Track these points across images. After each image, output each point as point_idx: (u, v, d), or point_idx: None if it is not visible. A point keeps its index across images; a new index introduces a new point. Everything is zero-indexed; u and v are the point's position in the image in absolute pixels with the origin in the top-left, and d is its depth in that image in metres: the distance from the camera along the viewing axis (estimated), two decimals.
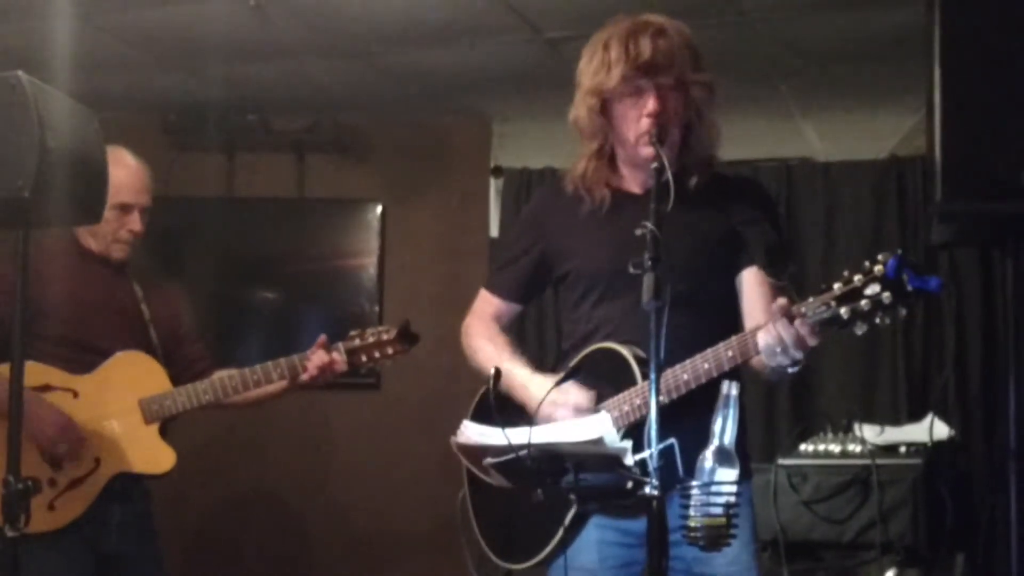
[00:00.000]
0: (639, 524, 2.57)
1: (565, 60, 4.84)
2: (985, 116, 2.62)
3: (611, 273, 2.74)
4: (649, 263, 2.24)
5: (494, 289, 3.04)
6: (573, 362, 2.78)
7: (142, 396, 3.53)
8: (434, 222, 5.91)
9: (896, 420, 5.04)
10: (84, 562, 3.44)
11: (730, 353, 2.53)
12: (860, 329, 2.35)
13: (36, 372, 3.27)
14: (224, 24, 4.60)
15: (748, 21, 4.50)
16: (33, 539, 2.60)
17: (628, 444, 2.29)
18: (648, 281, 2.22)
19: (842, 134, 5.73)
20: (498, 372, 2.55)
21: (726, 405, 2.23)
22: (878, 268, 2.32)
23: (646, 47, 2.69)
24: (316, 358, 3.55)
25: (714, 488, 2.17)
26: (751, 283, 2.80)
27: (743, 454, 2.90)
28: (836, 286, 2.37)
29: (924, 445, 4.36)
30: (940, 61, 2.63)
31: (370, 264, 5.81)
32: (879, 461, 4.21)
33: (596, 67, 2.75)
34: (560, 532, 2.70)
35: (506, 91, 5.46)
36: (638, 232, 2.31)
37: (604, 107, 2.77)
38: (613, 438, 2.33)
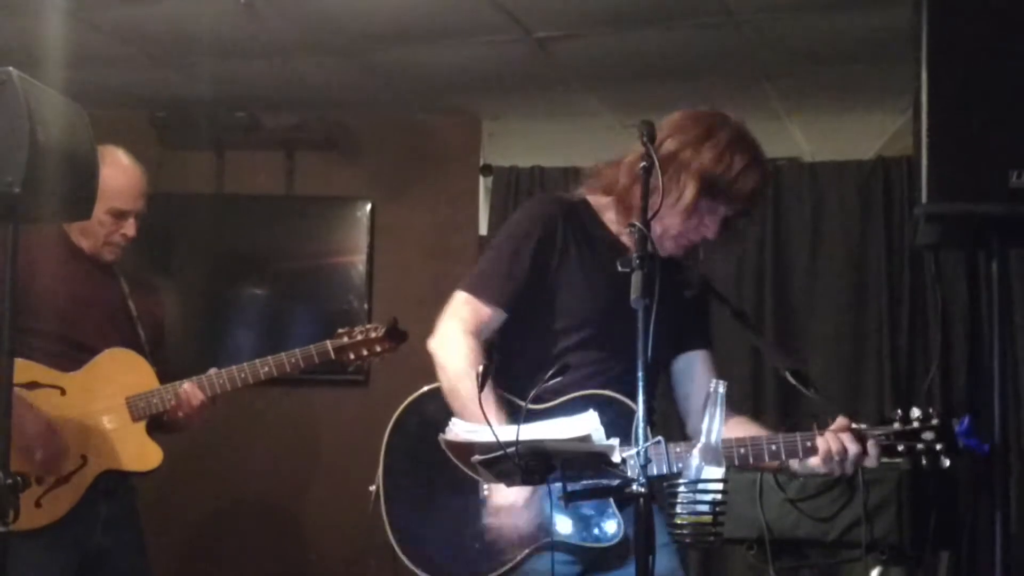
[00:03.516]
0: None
1: (554, 59, 4.86)
2: (972, 117, 2.62)
3: (598, 320, 2.76)
4: (637, 261, 2.25)
5: (485, 297, 2.85)
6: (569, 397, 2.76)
7: (129, 393, 3.53)
8: (423, 220, 5.91)
9: (882, 420, 5.06)
10: (69, 558, 3.44)
11: (808, 443, 2.63)
12: (905, 463, 2.63)
13: (23, 368, 3.27)
14: (214, 21, 4.60)
15: (735, 22, 4.51)
16: (19, 536, 2.61)
17: (615, 442, 2.30)
18: (636, 279, 2.23)
19: (829, 134, 5.74)
20: (487, 369, 2.54)
21: (714, 404, 2.25)
22: (936, 421, 2.58)
23: (766, 182, 2.81)
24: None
25: (701, 486, 2.18)
26: (703, 366, 2.92)
27: None
28: (896, 425, 2.60)
29: None
30: (927, 62, 2.63)
31: (359, 261, 5.82)
32: None
33: (716, 158, 2.74)
34: (511, 565, 2.70)
35: (495, 90, 5.47)
36: (627, 230, 2.32)
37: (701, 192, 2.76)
38: (600, 436, 2.34)
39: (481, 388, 2.52)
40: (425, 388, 2.90)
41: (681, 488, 2.18)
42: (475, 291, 2.87)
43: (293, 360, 3.58)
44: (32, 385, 3.42)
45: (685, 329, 2.90)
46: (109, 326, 3.58)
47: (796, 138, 5.80)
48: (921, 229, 2.79)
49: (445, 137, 5.94)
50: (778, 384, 5.37)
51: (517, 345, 2.85)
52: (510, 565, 2.70)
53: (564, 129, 5.77)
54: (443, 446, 2.54)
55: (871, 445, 2.59)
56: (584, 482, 2.35)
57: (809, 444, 2.62)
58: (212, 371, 3.61)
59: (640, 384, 2.21)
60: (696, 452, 2.21)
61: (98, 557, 3.50)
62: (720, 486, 2.19)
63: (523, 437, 2.33)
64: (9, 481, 2.49)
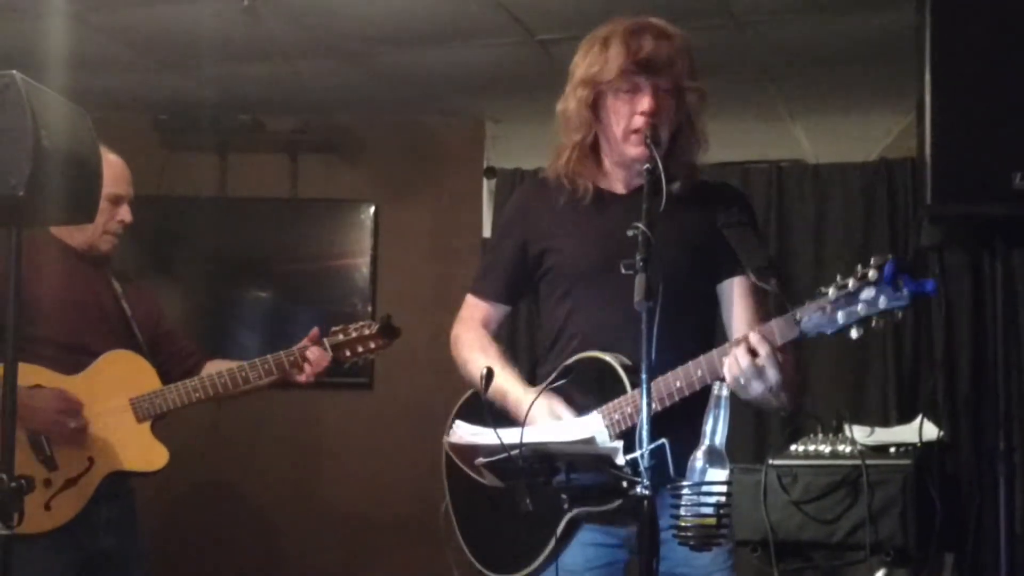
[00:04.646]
0: (623, 526, 2.59)
1: (557, 61, 4.86)
2: (975, 119, 2.63)
3: (592, 272, 2.73)
4: (640, 263, 2.25)
5: (480, 293, 2.98)
6: (560, 368, 2.75)
7: (132, 395, 3.53)
8: (427, 222, 5.92)
9: (886, 421, 5.05)
10: (72, 561, 3.45)
11: (699, 373, 2.51)
12: (856, 333, 2.35)
13: (26, 372, 3.26)
14: (217, 24, 4.60)
15: (738, 24, 4.51)
16: (23, 539, 2.60)
17: (619, 444, 2.30)
18: (640, 281, 2.22)
19: (832, 136, 5.74)
20: (490, 372, 2.54)
21: (717, 405, 2.24)
22: (872, 272, 2.32)
23: (648, 45, 2.70)
24: (314, 356, 3.56)
25: (705, 488, 2.18)
26: (738, 293, 2.78)
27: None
28: (830, 291, 2.37)
29: (914, 446, 4.37)
30: (930, 63, 2.64)
31: (363, 264, 5.82)
32: (869, 462, 4.22)
33: (592, 60, 2.75)
34: (553, 542, 2.69)
35: (499, 92, 5.47)
36: (630, 233, 2.31)
37: (595, 101, 2.76)
38: (604, 438, 2.34)
39: (485, 390, 2.53)
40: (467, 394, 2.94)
41: (685, 490, 2.18)
42: (473, 290, 3.00)
43: (291, 358, 3.58)
44: (35, 389, 3.42)
45: (701, 262, 2.79)
46: (105, 327, 3.59)
47: (799, 140, 5.80)
48: (925, 230, 2.80)
49: (448, 139, 5.94)
50: None
51: (538, 320, 2.98)
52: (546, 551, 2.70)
53: (557, 122, 5.76)
54: (447, 449, 2.54)
55: (762, 348, 2.37)
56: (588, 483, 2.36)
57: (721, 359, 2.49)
58: (214, 369, 3.62)
59: (643, 386, 2.20)
60: (700, 454, 2.20)
61: (100, 559, 3.50)
62: (724, 488, 2.18)
63: (527, 439, 2.33)
64: (14, 484, 2.49)
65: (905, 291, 2.28)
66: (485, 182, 5.95)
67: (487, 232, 5.90)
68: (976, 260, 5.20)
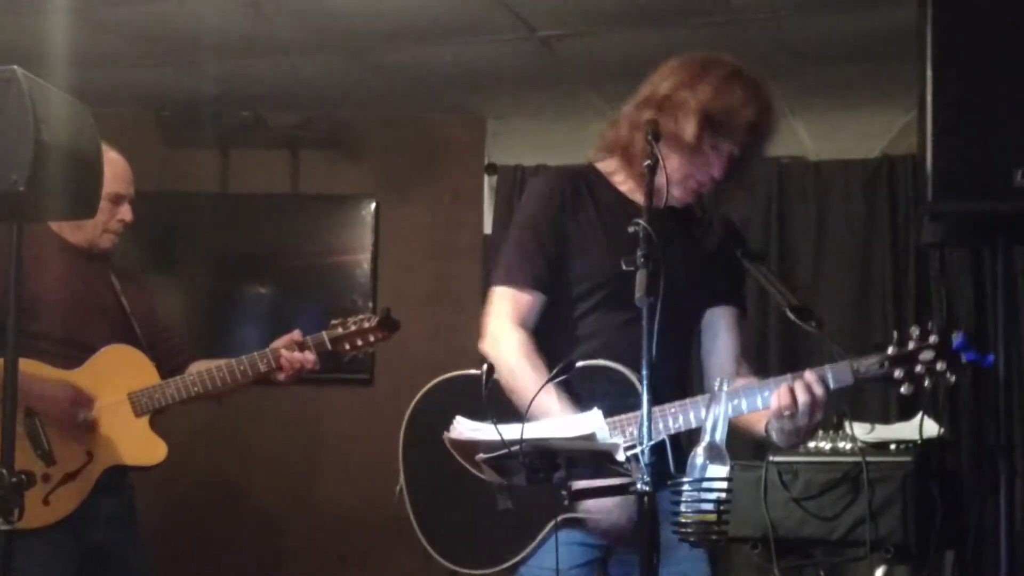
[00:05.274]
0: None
1: (559, 58, 4.87)
2: (977, 116, 2.62)
3: (612, 280, 2.71)
4: (642, 260, 2.25)
5: (516, 283, 2.79)
6: (564, 363, 2.77)
7: (131, 389, 3.54)
8: (428, 219, 5.92)
9: (886, 418, 5.05)
10: (72, 555, 3.45)
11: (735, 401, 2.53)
12: (907, 390, 2.43)
13: (26, 367, 3.27)
14: (218, 20, 4.60)
15: (739, 20, 4.51)
16: (24, 533, 2.61)
17: (620, 440, 2.30)
18: (640, 277, 2.22)
19: (833, 133, 5.74)
20: (491, 367, 2.54)
21: (717, 402, 2.24)
22: (933, 338, 2.41)
23: (766, 121, 2.71)
24: (291, 358, 3.57)
25: (705, 484, 2.18)
26: (727, 323, 2.84)
27: None
28: (891, 349, 2.45)
29: (914, 443, 4.37)
30: (932, 60, 2.63)
31: (364, 260, 5.82)
32: (869, 458, 4.22)
33: (717, 91, 2.68)
34: (535, 542, 2.70)
35: (500, 88, 5.47)
36: (631, 229, 2.31)
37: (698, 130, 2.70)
38: (605, 434, 2.33)
39: (486, 385, 2.52)
40: (430, 384, 2.90)
41: (685, 487, 2.18)
42: (508, 281, 2.81)
43: (265, 361, 3.58)
44: (45, 380, 3.42)
45: (711, 283, 2.83)
46: (105, 323, 3.59)
47: (801, 136, 5.80)
48: (926, 227, 2.80)
49: (449, 136, 5.94)
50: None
51: (542, 320, 2.82)
52: (528, 549, 2.70)
53: (568, 128, 5.77)
54: (447, 444, 2.54)
55: (815, 384, 2.44)
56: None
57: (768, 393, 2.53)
58: (209, 366, 3.63)
59: (644, 385, 2.20)
60: (700, 450, 2.20)
61: (99, 554, 3.50)
62: (724, 484, 2.18)
63: (527, 435, 2.33)
64: (14, 479, 2.49)
65: (964, 360, 2.39)
66: (486, 178, 5.95)
67: (488, 229, 5.90)
68: (977, 257, 5.20)
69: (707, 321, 2.88)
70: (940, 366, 2.38)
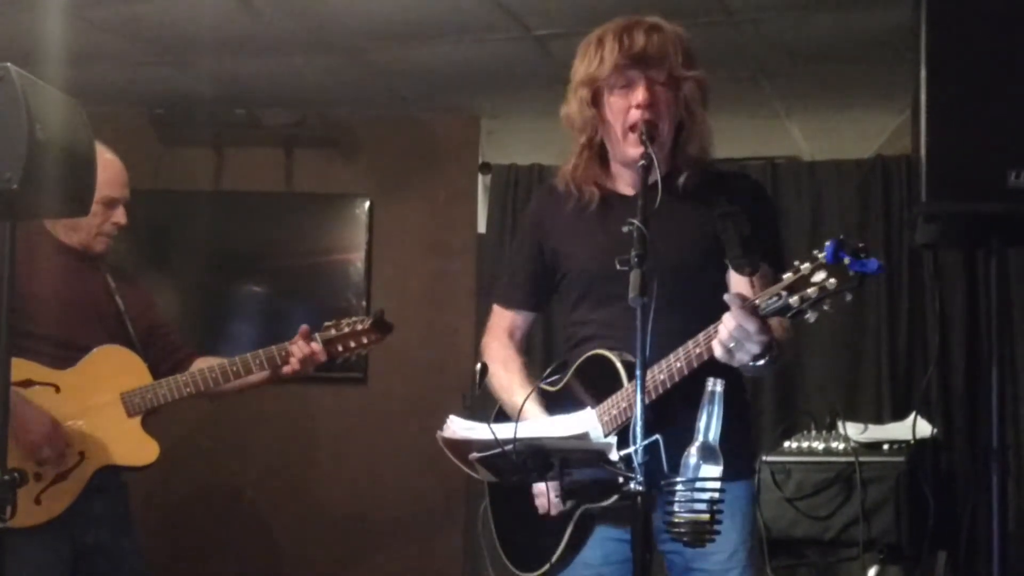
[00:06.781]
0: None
1: (553, 57, 4.86)
2: (971, 116, 2.63)
3: (602, 275, 2.72)
4: (635, 259, 2.25)
5: (504, 302, 3.04)
6: (555, 364, 2.87)
7: (123, 389, 3.54)
8: (422, 218, 5.91)
9: (879, 418, 5.07)
10: (64, 554, 3.45)
11: (698, 350, 2.50)
12: (812, 316, 2.33)
13: (17, 367, 3.25)
14: (213, 18, 4.59)
15: (734, 21, 4.51)
16: (16, 532, 2.60)
17: (613, 440, 2.30)
18: (634, 277, 2.22)
19: (828, 133, 5.75)
20: (484, 367, 2.56)
21: (711, 402, 2.24)
22: (821, 255, 2.30)
23: (640, 39, 2.72)
24: (298, 349, 3.56)
25: (698, 484, 2.18)
26: (734, 282, 2.74)
27: (749, 453, 2.93)
28: (786, 276, 2.36)
29: (907, 443, 4.39)
30: (926, 61, 2.64)
31: (357, 259, 5.82)
32: (862, 459, 4.23)
33: (588, 60, 2.78)
34: (565, 540, 2.73)
35: (495, 88, 5.47)
36: (625, 229, 2.31)
37: (595, 99, 2.78)
38: (598, 434, 2.34)
39: (479, 386, 2.54)
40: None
41: (679, 487, 2.18)
42: (497, 299, 3.08)
43: (283, 353, 3.58)
44: (27, 383, 3.42)
45: (706, 251, 2.77)
46: (98, 323, 3.59)
47: (795, 137, 5.81)
48: (920, 228, 2.80)
49: (444, 135, 5.94)
50: (775, 385, 5.37)
51: (563, 319, 3.01)
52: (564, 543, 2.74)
53: (563, 127, 5.77)
54: (441, 444, 2.54)
55: (743, 317, 2.35)
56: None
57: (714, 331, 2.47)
58: (205, 365, 3.62)
59: (638, 383, 2.20)
60: (693, 450, 2.21)
61: (93, 553, 3.50)
62: (718, 485, 2.18)
63: (521, 435, 2.33)
64: (7, 477, 2.49)
65: (851, 272, 2.26)
66: (480, 178, 5.95)
67: (482, 227, 5.91)
68: (971, 258, 5.20)
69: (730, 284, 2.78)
70: (832, 283, 2.25)
